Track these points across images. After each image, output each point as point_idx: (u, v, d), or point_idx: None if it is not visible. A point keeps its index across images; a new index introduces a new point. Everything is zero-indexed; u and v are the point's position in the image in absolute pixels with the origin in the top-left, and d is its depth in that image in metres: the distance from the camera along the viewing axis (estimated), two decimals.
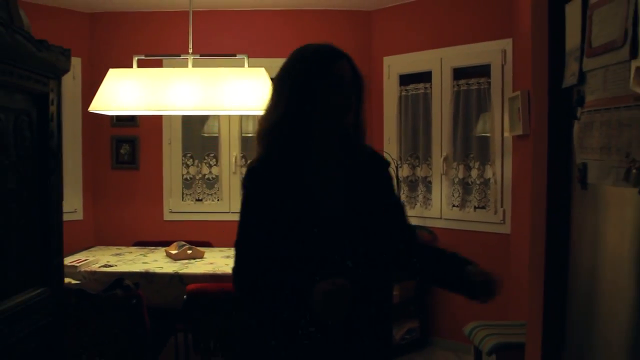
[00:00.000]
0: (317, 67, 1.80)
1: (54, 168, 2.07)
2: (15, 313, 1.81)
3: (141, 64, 4.04)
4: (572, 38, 1.90)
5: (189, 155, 5.66)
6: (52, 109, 2.05)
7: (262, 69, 3.91)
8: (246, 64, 3.99)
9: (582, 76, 1.82)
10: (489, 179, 4.87)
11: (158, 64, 5.04)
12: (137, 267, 3.90)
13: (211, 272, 3.76)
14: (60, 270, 2.13)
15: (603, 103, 1.67)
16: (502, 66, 4.73)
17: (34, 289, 1.96)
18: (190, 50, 4.03)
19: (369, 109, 5.19)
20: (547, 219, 2.09)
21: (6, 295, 1.79)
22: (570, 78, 1.90)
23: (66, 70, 2.11)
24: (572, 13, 1.91)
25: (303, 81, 1.78)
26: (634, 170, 1.49)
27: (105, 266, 3.93)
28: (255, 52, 5.00)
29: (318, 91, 1.78)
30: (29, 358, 1.91)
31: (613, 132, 1.61)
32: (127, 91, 3.82)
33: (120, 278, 3.53)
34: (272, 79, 1.86)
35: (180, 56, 4.10)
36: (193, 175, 5.66)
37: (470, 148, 5.02)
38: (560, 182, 2.02)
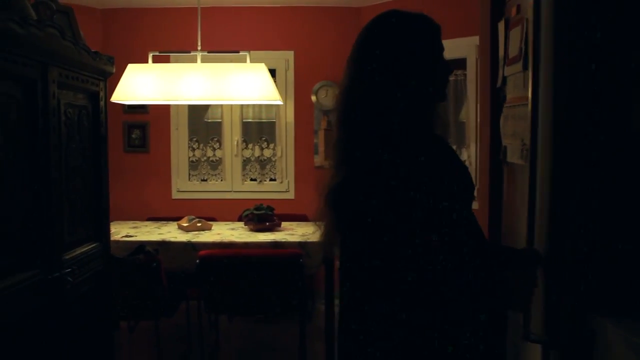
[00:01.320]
0: (436, 33, 1.61)
1: (103, 149, 2.65)
2: (81, 259, 2.40)
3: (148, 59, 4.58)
4: (501, 49, 2.48)
5: (194, 139, 6.21)
6: (102, 104, 2.63)
7: (262, 65, 4.46)
8: (248, 60, 4.54)
9: (504, 80, 2.40)
10: (465, 160, 5.45)
11: (166, 59, 5.58)
12: (154, 237, 4.46)
13: (219, 240, 4.33)
14: (108, 230, 2.73)
15: (513, 101, 2.26)
16: (477, 60, 5.29)
17: (91, 243, 2.55)
18: (199, 47, 4.58)
19: None
20: (490, 187, 2.69)
21: (76, 245, 2.38)
22: (499, 80, 2.48)
23: (111, 74, 2.68)
24: (501, 30, 2.48)
25: (428, 50, 1.57)
26: (525, 151, 2.07)
27: (126, 236, 4.49)
28: (254, 45, 5.57)
29: (441, 60, 1.60)
30: (88, 296, 2.51)
31: (517, 123, 2.19)
32: (144, 84, 4.38)
33: (142, 245, 4.10)
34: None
35: (190, 52, 4.66)
36: (198, 158, 6.22)
37: (449, 133, 5.60)
38: (496, 160, 2.61)
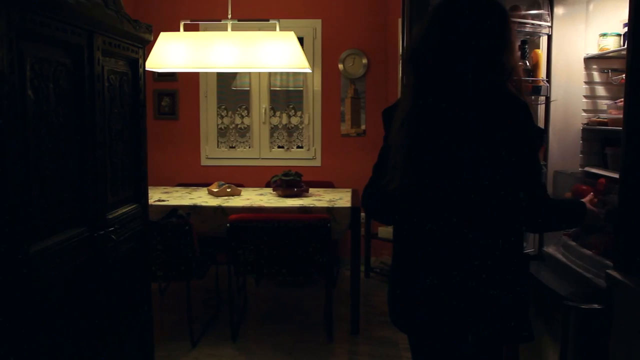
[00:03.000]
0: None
1: (142, 115, 2.76)
2: (123, 219, 2.53)
3: (178, 28, 4.66)
4: None
5: (223, 107, 6.32)
6: (141, 70, 2.73)
7: (292, 33, 4.52)
8: (277, 28, 4.61)
9: None
10: None
11: (195, 28, 5.66)
12: (185, 201, 4.60)
13: (249, 205, 4.46)
14: (146, 192, 2.84)
15: None
16: None
17: (131, 204, 2.68)
18: (229, 16, 4.66)
19: (385, 70, 5.82)
20: None
21: (118, 206, 2.51)
22: None
23: (149, 42, 2.77)
24: None
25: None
26: None
27: (158, 201, 4.63)
28: (283, 14, 5.62)
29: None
30: (128, 254, 2.64)
31: None
32: (176, 52, 4.47)
33: (175, 209, 4.24)
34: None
35: (221, 21, 4.73)
36: (227, 125, 6.33)
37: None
38: None
